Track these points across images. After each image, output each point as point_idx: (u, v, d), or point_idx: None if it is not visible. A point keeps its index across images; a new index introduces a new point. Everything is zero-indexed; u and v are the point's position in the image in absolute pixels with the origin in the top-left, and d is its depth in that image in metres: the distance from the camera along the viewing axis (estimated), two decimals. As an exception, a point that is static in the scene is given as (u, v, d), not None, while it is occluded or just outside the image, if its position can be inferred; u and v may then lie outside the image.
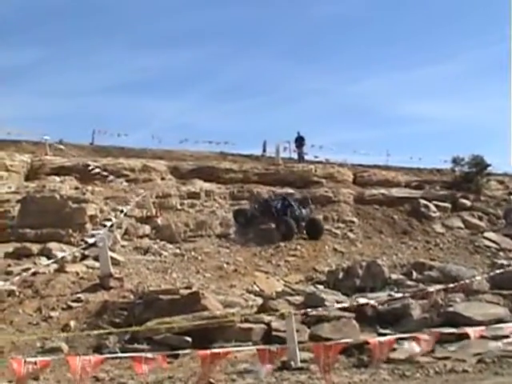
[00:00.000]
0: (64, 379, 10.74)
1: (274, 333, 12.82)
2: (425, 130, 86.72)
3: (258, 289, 18.54)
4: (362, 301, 14.30)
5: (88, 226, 20.88)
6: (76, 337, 13.40)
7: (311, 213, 25.28)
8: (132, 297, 15.80)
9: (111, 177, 26.63)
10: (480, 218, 27.15)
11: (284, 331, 11.97)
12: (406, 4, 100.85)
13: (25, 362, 8.03)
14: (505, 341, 11.72)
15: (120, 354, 11.40)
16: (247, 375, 10.71)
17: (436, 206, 27.52)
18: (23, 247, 18.85)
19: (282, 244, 23.22)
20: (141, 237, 22.39)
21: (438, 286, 15.00)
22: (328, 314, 13.55)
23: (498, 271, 16.51)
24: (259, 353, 9.12)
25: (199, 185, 27.47)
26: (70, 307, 15.19)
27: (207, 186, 27.54)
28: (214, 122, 79.10)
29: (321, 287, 17.66)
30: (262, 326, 13.28)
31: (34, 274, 16.68)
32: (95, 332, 13.12)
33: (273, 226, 24.42)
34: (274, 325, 13.11)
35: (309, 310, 13.38)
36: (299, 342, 11.46)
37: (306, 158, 35.36)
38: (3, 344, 12.98)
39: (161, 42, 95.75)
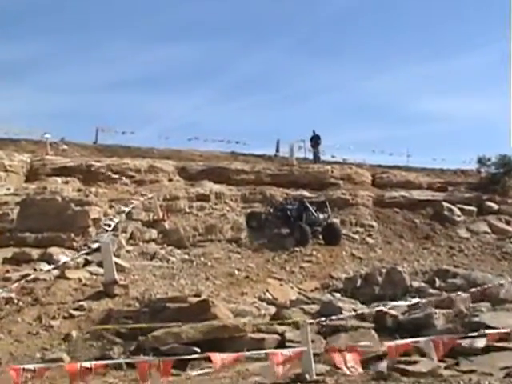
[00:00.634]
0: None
1: (287, 343, 12.77)
2: (447, 128, 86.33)
3: (270, 297, 18.50)
4: (382, 310, 14.25)
5: (91, 229, 20.93)
6: (78, 347, 13.42)
7: (328, 217, 25.21)
8: (138, 305, 15.80)
9: (123, 179, 26.73)
10: (507, 223, 27.05)
11: (298, 342, 11.92)
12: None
13: (23, 369, 8.08)
14: (534, 353, 11.63)
15: (128, 360, 11.38)
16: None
17: (460, 209, 27.44)
18: (22, 252, 18.92)
19: (297, 249, 23.19)
20: (147, 241, 22.41)
21: (463, 295, 14.93)
22: (345, 323, 13.51)
23: (526, 279, 16.45)
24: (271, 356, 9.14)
25: (209, 186, 27.46)
26: (71, 316, 15.20)
27: (217, 187, 27.54)
28: (225, 120, 79.11)
29: (338, 295, 17.67)
30: (275, 336, 13.25)
31: (34, 280, 16.70)
32: (99, 342, 13.15)
33: (287, 231, 24.41)
34: (288, 335, 13.08)
35: (324, 318, 13.33)
36: (314, 354, 11.43)
37: (322, 158, 35.27)
38: (1, 355, 13.03)
39: (167, 35, 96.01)
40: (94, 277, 17.73)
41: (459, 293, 15.43)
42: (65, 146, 31.95)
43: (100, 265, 17.82)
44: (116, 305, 15.82)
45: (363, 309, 14.82)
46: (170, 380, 9.25)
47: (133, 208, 22.92)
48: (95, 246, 18.93)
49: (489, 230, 26.20)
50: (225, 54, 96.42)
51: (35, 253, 18.96)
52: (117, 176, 26.89)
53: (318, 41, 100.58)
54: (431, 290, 16.82)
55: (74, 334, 14.28)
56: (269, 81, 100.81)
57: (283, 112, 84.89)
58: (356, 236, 25.13)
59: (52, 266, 17.59)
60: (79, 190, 24.71)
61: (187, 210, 25.17)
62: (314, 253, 23.06)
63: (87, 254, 18.98)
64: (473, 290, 15.47)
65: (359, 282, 18.08)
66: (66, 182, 25.71)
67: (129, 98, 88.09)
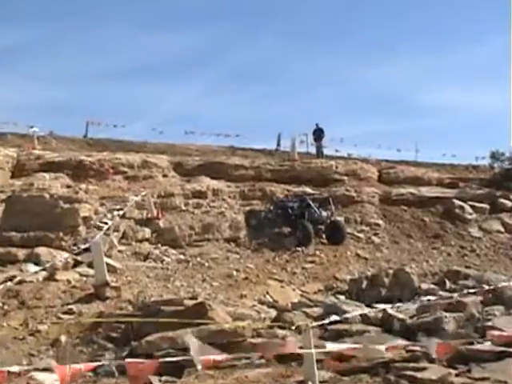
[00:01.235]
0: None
1: (289, 349, 12.79)
2: (458, 121, 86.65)
3: (271, 299, 18.53)
4: (389, 313, 14.23)
5: (81, 228, 20.90)
6: (67, 353, 13.39)
7: (332, 215, 25.20)
8: (130, 308, 15.76)
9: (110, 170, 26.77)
10: (522, 221, 27.04)
11: (300, 347, 11.91)
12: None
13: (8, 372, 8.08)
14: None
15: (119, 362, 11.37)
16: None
17: (472, 206, 27.43)
18: (8, 252, 18.89)
19: (299, 249, 23.20)
20: (140, 241, 22.40)
21: (475, 298, 14.91)
22: (350, 327, 13.50)
23: (542, 281, 16.42)
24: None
25: (206, 183, 27.45)
26: (60, 320, 15.17)
27: (215, 184, 27.54)
28: (222, 112, 79.36)
29: (342, 298, 17.65)
30: (276, 340, 13.24)
31: (20, 282, 16.63)
32: (89, 348, 13.13)
33: (288, 230, 24.40)
34: (290, 340, 13.07)
35: (328, 322, 13.31)
36: (317, 360, 11.40)
37: (326, 152, 35.33)
38: (-15, 361, 13.01)
39: (161, 22, 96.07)
40: (84, 278, 17.68)
41: (471, 295, 15.42)
42: (53, 140, 31.92)
43: (90, 266, 17.75)
44: (107, 308, 15.76)
45: (369, 312, 14.79)
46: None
47: (125, 206, 22.88)
48: (85, 245, 18.90)
49: (502, 229, 26.20)
50: (222, 42, 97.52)
51: (21, 253, 18.91)
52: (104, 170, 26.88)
53: (320, 25, 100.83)
54: (441, 293, 16.76)
55: (63, 339, 14.20)
56: (269, 69, 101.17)
57: (284, 103, 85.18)
58: (361, 235, 25.15)
59: (39, 268, 17.53)
60: (68, 187, 24.69)
61: (183, 208, 25.14)
62: (317, 253, 23.09)
63: (77, 254, 18.94)
64: (485, 292, 15.44)
65: (365, 283, 18.06)
66: (55, 178, 25.69)
67: (122, 89, 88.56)
